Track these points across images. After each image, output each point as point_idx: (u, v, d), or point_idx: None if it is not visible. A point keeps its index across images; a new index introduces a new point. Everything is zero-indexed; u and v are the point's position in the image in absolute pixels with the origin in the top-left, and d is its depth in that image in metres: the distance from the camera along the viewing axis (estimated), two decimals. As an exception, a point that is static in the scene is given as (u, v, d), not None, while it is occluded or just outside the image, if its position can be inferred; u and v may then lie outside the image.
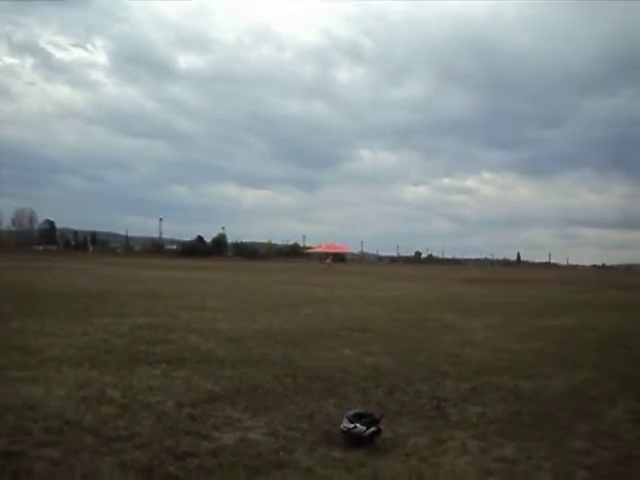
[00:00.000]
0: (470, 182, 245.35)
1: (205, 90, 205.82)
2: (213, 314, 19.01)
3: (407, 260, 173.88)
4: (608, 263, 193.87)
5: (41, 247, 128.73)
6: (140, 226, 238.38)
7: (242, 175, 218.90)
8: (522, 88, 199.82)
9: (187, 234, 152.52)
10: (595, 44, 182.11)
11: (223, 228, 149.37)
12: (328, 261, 31.50)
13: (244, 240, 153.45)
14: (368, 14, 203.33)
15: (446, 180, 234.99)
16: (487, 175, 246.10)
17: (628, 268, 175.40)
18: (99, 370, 10.04)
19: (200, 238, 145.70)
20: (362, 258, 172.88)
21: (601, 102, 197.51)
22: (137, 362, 10.86)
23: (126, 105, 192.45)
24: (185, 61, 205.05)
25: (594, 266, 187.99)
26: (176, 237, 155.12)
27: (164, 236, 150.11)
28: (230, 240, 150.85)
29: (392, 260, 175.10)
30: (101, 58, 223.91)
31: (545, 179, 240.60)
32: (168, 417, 7.44)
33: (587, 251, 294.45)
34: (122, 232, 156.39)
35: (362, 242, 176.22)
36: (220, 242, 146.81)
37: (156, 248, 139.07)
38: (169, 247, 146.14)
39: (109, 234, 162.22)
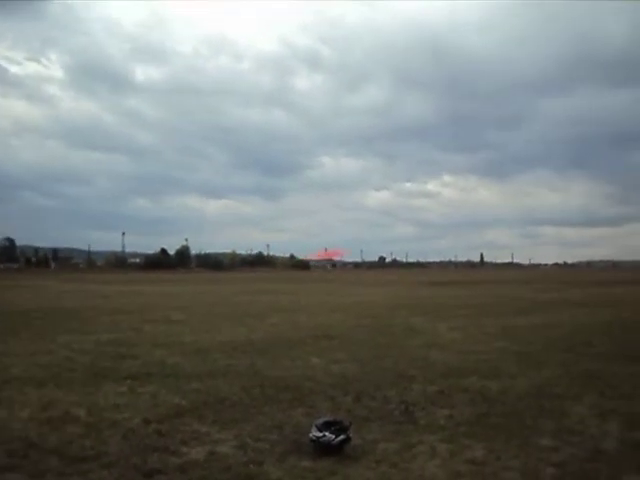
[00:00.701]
0: (432, 186, 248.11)
1: (163, 102, 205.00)
2: (178, 327, 18.87)
3: (371, 265, 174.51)
4: (569, 261, 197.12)
5: (1, 265, 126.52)
6: (102, 240, 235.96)
7: (204, 186, 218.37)
8: (480, 91, 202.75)
9: (150, 247, 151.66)
10: (550, 46, 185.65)
11: (186, 240, 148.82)
12: (329, 267, 32.29)
13: (208, 251, 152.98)
14: (325, 22, 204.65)
15: (408, 184, 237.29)
16: (448, 178, 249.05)
17: (589, 265, 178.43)
18: (63, 389, 9.88)
19: (163, 251, 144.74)
20: (326, 265, 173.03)
21: (557, 103, 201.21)
22: (102, 379, 10.71)
23: (83, 118, 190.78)
24: (142, 73, 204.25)
25: (556, 264, 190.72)
26: (139, 250, 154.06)
27: (127, 250, 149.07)
28: (194, 251, 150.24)
29: (356, 265, 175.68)
30: (57, 72, 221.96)
31: (506, 180, 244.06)
32: (135, 434, 7.34)
33: (549, 250, 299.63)
34: (84, 247, 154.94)
35: (326, 249, 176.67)
36: (184, 254, 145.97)
37: (119, 262, 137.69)
38: (132, 261, 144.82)
39: (71, 250, 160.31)
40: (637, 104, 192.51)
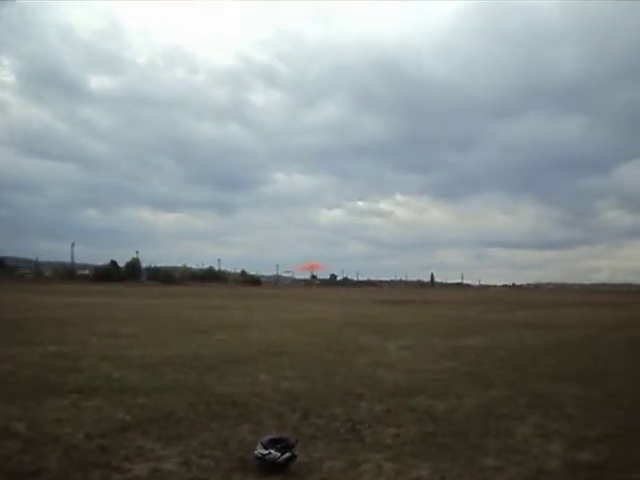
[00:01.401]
0: (384, 205, 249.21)
1: (117, 112, 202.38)
2: (126, 340, 18.61)
3: (323, 283, 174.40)
4: (518, 282, 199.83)
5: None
6: (51, 251, 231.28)
7: (156, 198, 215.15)
8: (435, 113, 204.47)
9: (100, 259, 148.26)
10: (503, 72, 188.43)
11: (137, 252, 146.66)
12: (316, 282, 32.49)
13: (159, 264, 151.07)
14: (283, 39, 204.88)
15: (361, 203, 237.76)
16: (401, 198, 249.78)
17: (537, 287, 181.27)
18: (3, 403, 9.63)
19: (114, 263, 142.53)
20: (277, 281, 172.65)
21: (510, 127, 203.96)
22: (45, 393, 10.47)
23: (35, 126, 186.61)
24: (97, 82, 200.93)
25: (505, 286, 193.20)
26: (89, 262, 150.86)
27: (76, 261, 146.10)
28: (144, 264, 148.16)
29: (307, 283, 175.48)
30: (8, 77, 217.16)
31: (458, 201, 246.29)
32: (77, 449, 7.19)
33: (498, 271, 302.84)
34: (32, 257, 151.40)
35: (277, 265, 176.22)
36: (134, 267, 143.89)
37: (68, 273, 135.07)
38: (82, 272, 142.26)
39: (17, 259, 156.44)
40: (585, 131, 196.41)
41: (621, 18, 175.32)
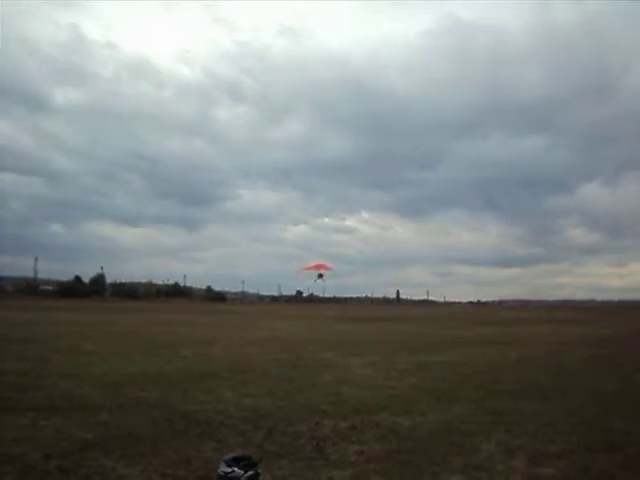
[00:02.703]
0: (350, 222, 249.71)
1: (82, 125, 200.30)
2: (88, 357, 18.37)
3: (288, 299, 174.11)
4: (483, 299, 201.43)
5: None
6: (13, 266, 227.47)
7: (121, 213, 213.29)
8: (400, 131, 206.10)
9: (64, 274, 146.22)
10: (467, 91, 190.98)
11: (102, 268, 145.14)
12: (320, 280, 32.46)
13: (123, 280, 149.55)
14: (249, 53, 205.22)
15: (326, 220, 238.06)
16: (366, 215, 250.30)
17: (501, 303, 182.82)
18: (-41, 421, 9.44)
19: (78, 278, 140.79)
20: (243, 297, 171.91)
21: (473, 145, 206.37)
22: (3, 411, 10.29)
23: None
24: (61, 95, 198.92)
25: (470, 302, 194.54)
26: (52, 277, 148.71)
27: (39, 276, 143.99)
28: (109, 280, 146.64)
29: (273, 299, 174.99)
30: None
31: (423, 219, 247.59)
32: (34, 470, 7.05)
33: (463, 288, 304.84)
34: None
35: (243, 281, 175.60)
36: (98, 282, 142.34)
37: (30, 289, 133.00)
38: (45, 287, 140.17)
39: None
40: (548, 150, 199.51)
41: (581, 41, 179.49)
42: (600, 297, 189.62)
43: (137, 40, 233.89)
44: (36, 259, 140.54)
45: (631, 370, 18.07)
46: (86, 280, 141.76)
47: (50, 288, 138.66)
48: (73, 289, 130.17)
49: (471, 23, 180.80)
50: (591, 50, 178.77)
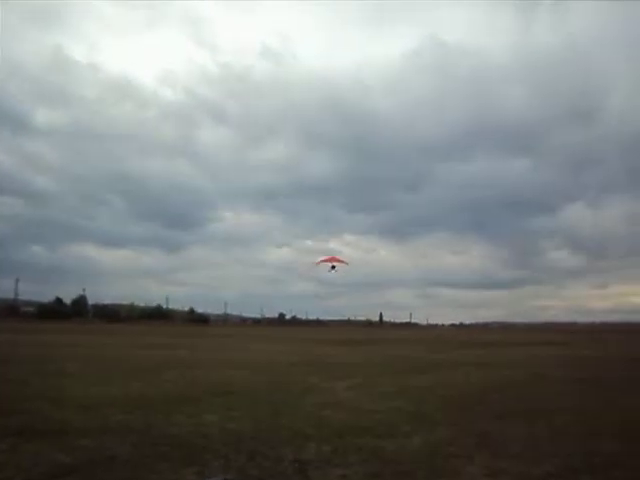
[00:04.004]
0: (333, 244, 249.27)
1: (64, 146, 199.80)
2: (69, 380, 18.20)
3: (271, 322, 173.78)
4: (466, 321, 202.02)
5: None
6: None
7: (103, 235, 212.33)
8: (383, 153, 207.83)
9: (46, 296, 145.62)
10: (451, 113, 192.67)
11: (84, 290, 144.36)
12: (333, 271, 33.17)
13: (105, 302, 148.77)
14: (232, 75, 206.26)
15: (309, 242, 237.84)
16: (350, 237, 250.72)
17: (485, 326, 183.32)
18: (-62, 446, 9.29)
19: (59, 300, 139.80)
20: (226, 320, 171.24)
21: (457, 168, 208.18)
22: (-18, 435, 10.14)
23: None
24: (43, 116, 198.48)
25: (453, 325, 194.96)
26: (34, 299, 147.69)
27: (20, 297, 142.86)
28: (91, 302, 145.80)
29: (256, 322, 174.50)
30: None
31: (406, 241, 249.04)
32: (13, 495, 6.94)
33: (446, 310, 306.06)
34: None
35: (226, 304, 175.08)
36: (80, 304, 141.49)
37: (11, 310, 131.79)
38: (26, 309, 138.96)
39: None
40: (532, 172, 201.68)
41: (564, 63, 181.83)
42: (583, 319, 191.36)
43: (120, 61, 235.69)
44: (17, 280, 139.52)
45: (614, 392, 18.12)
46: (68, 302, 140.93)
47: (31, 310, 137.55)
48: (54, 311, 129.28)
49: (455, 45, 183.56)
50: (574, 72, 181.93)
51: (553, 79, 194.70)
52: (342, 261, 37.21)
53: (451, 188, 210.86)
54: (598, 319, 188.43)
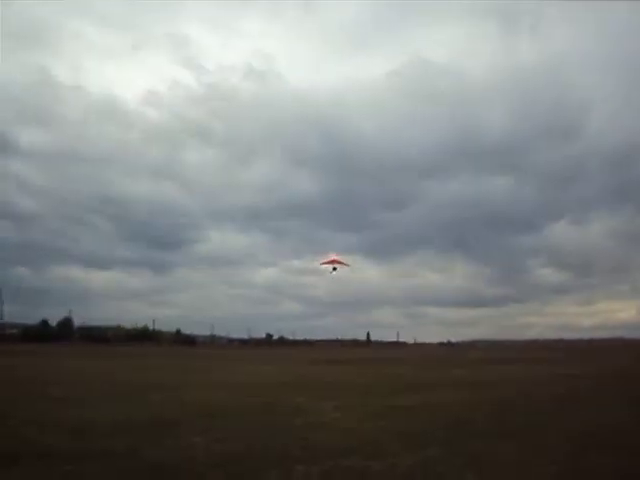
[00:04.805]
0: (319, 264, 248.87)
1: (49, 168, 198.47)
2: (55, 403, 18.03)
3: (258, 342, 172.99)
4: (453, 340, 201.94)
5: None
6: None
7: (89, 256, 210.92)
8: (368, 172, 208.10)
9: (31, 318, 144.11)
10: (434, 132, 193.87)
11: (69, 311, 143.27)
12: (334, 272, 33.90)
13: (92, 324, 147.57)
14: (217, 95, 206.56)
15: (295, 262, 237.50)
16: (336, 257, 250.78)
17: (472, 344, 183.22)
18: None
19: (44, 322, 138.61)
20: (213, 341, 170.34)
21: (440, 186, 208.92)
22: (-35, 461, 10.01)
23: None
24: (28, 137, 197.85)
25: (440, 343, 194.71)
26: (19, 321, 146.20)
27: (5, 320, 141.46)
28: (77, 324, 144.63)
29: (243, 342, 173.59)
30: None
31: (392, 260, 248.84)
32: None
33: (433, 329, 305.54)
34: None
35: (212, 325, 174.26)
36: (66, 326, 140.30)
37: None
38: (11, 332, 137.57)
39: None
40: (515, 190, 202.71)
41: (544, 82, 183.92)
42: (569, 336, 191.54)
43: (105, 82, 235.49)
44: (2, 302, 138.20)
45: (601, 409, 18.12)
46: (53, 324, 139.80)
47: (16, 332, 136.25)
48: (39, 333, 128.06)
49: (437, 64, 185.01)
50: (553, 90, 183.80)
51: (534, 97, 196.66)
52: (342, 262, 37.67)
53: (435, 207, 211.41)
54: (584, 336, 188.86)
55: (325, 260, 38.00)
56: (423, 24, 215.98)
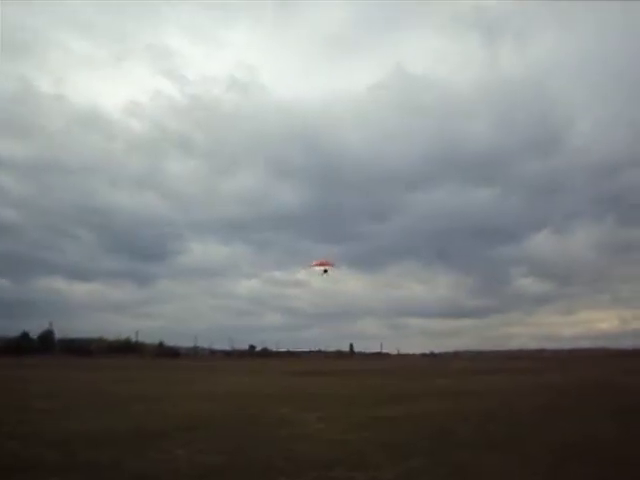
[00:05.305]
0: (302, 275, 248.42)
1: (30, 178, 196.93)
2: (37, 416, 17.91)
3: (242, 354, 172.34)
4: (436, 351, 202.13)
5: None
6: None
7: (70, 268, 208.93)
8: (351, 183, 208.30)
9: (11, 330, 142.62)
10: (418, 144, 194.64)
11: (50, 323, 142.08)
12: (324, 275, 35.19)
13: (74, 336, 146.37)
14: (200, 106, 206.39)
15: (278, 273, 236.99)
16: (319, 268, 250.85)
17: (456, 355, 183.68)
18: None
19: (25, 334, 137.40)
20: (196, 352, 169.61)
21: (423, 198, 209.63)
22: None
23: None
24: (8, 148, 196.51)
25: (423, 354, 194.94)
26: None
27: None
28: (58, 336, 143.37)
29: (226, 354, 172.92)
30: None
31: (375, 271, 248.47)
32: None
33: (416, 340, 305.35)
34: None
35: (195, 336, 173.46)
36: (47, 338, 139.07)
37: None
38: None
39: None
40: (497, 201, 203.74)
41: (527, 94, 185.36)
42: (552, 346, 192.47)
43: (87, 92, 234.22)
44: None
45: (583, 419, 18.25)
46: (34, 336, 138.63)
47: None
48: (20, 346, 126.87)
49: (420, 76, 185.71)
50: (537, 103, 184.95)
51: (516, 109, 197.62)
52: (329, 264, 38.55)
53: (418, 218, 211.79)
54: (567, 346, 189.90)
55: (316, 262, 38.73)
56: (408, 35, 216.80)
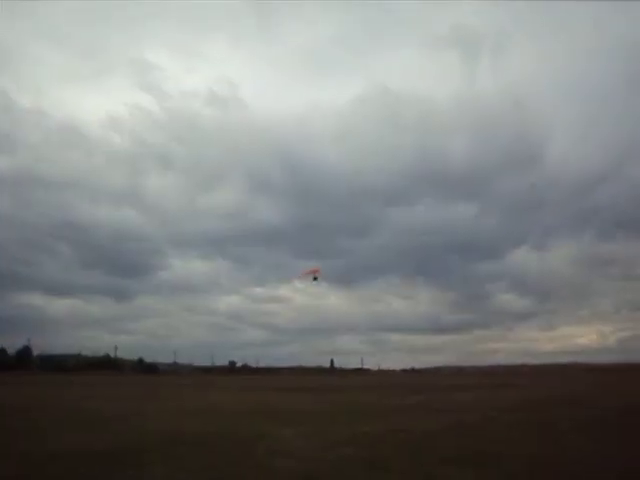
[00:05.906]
0: (283, 291, 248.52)
1: (8, 193, 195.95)
2: (12, 434, 17.74)
3: (221, 370, 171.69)
4: (417, 366, 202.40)
5: None
6: None
7: (48, 283, 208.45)
8: (331, 199, 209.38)
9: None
10: (397, 160, 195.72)
11: (28, 339, 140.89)
12: (314, 282, 36.61)
13: (52, 352, 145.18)
14: (179, 121, 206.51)
15: (258, 289, 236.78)
16: (299, 284, 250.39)
17: (437, 370, 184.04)
18: None
19: (2, 350, 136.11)
20: (175, 369, 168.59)
21: (403, 213, 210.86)
22: None
23: None
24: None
25: (404, 370, 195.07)
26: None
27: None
28: (36, 352, 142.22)
29: (206, 370, 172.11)
30: None
31: (355, 287, 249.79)
32: None
33: (397, 356, 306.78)
34: None
35: (175, 352, 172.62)
36: (25, 354, 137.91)
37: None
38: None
39: None
40: (477, 217, 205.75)
41: (505, 110, 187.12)
42: (532, 361, 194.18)
43: (66, 107, 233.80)
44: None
45: (562, 433, 18.36)
46: (12, 352, 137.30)
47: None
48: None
49: (400, 92, 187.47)
50: (515, 120, 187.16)
51: (495, 126, 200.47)
52: (317, 271, 39.97)
53: (399, 234, 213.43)
54: (546, 361, 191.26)
55: (306, 270, 39.96)
56: (388, 53, 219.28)
